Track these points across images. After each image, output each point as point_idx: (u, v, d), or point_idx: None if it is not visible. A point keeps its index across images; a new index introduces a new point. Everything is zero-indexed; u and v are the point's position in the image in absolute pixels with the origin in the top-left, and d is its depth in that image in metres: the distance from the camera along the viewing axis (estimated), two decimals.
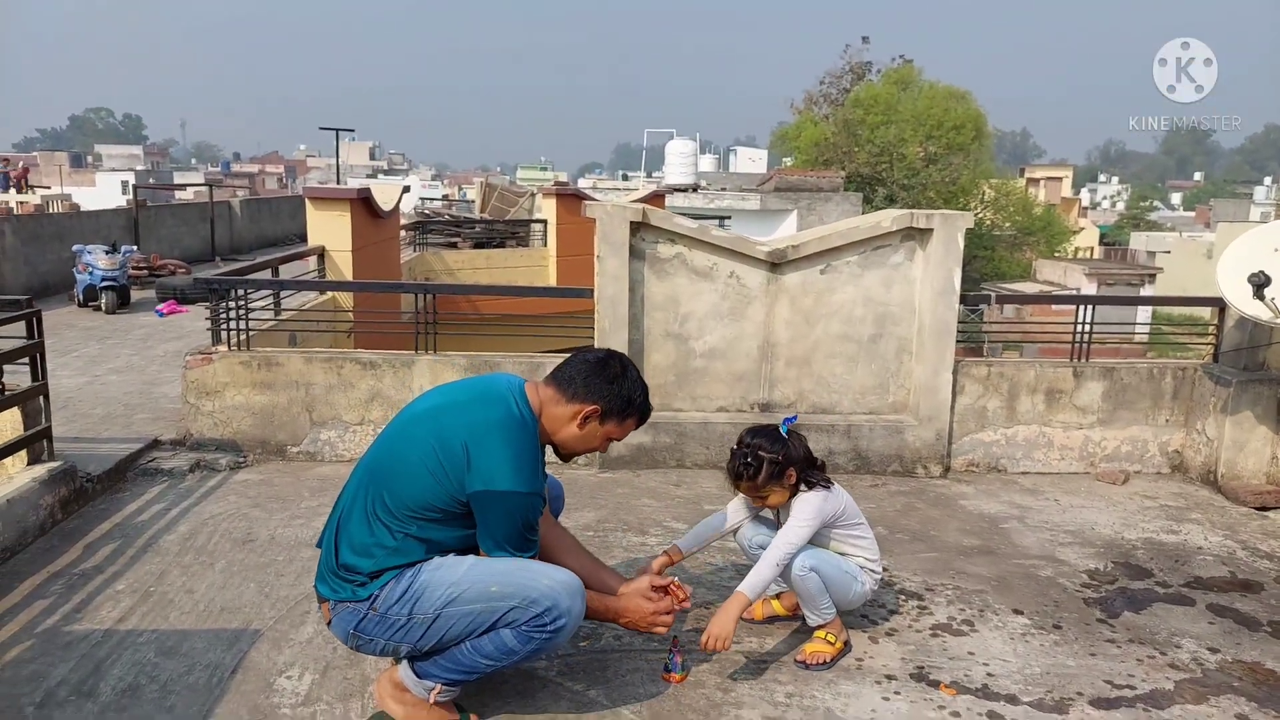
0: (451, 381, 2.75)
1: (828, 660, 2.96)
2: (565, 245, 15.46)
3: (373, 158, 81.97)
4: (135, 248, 13.28)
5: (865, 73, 32.93)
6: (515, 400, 2.50)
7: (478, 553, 2.47)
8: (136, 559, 3.65)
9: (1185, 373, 5.26)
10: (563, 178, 45.78)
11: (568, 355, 2.70)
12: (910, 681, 2.89)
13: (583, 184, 28.55)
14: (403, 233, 14.50)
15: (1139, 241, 43.46)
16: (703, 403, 5.15)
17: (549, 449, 2.64)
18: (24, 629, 3.06)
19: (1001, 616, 3.38)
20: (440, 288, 5.97)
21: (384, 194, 10.90)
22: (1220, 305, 5.22)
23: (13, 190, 26.73)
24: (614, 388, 2.56)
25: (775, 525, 3.08)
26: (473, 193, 31.70)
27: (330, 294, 9.18)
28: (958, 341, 5.13)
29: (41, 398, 4.21)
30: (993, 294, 6.33)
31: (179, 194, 29.67)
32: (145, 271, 13.16)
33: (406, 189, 13.93)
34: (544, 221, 16.74)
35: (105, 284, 10.60)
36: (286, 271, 8.26)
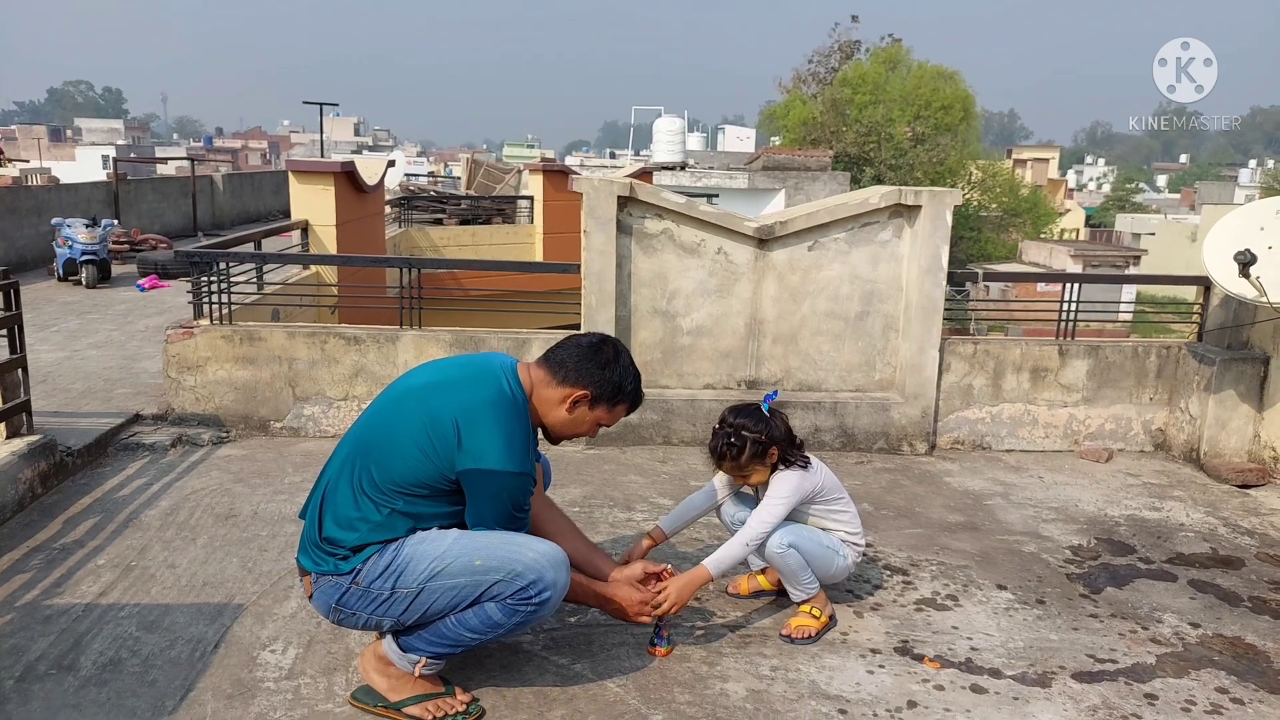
0: (443, 358, 2.71)
1: (813, 634, 2.96)
2: (552, 222, 15.36)
3: (357, 134, 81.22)
4: (116, 222, 13.12)
5: (854, 52, 32.81)
6: (507, 380, 2.47)
7: (463, 527, 2.45)
8: (118, 534, 3.62)
9: (1169, 351, 5.29)
10: (550, 155, 45.48)
11: (554, 331, 2.67)
12: (895, 655, 2.91)
13: (570, 161, 28.40)
14: (388, 209, 14.37)
15: (1124, 223, 43.70)
16: (690, 380, 5.13)
17: (539, 431, 2.62)
18: (3, 603, 3.02)
19: (985, 591, 3.40)
20: (425, 262, 5.93)
21: (368, 168, 10.79)
22: (1205, 284, 5.24)
23: None
24: (605, 373, 2.54)
25: (757, 502, 3.08)
26: (458, 169, 31.46)
27: (314, 269, 9.10)
28: (943, 322, 5.14)
29: (20, 370, 4.15)
30: (979, 271, 6.31)
31: (160, 168, 29.32)
32: (126, 246, 13.02)
33: (391, 163, 13.81)
34: (530, 198, 16.63)
35: (85, 258, 10.48)
36: (269, 246, 8.17)
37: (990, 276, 7.04)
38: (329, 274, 9.01)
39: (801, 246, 5.04)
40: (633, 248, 4.95)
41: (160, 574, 3.28)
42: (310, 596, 2.46)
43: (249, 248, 6.97)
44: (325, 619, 2.55)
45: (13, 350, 4.15)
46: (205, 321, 5.12)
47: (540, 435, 2.64)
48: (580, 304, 4.92)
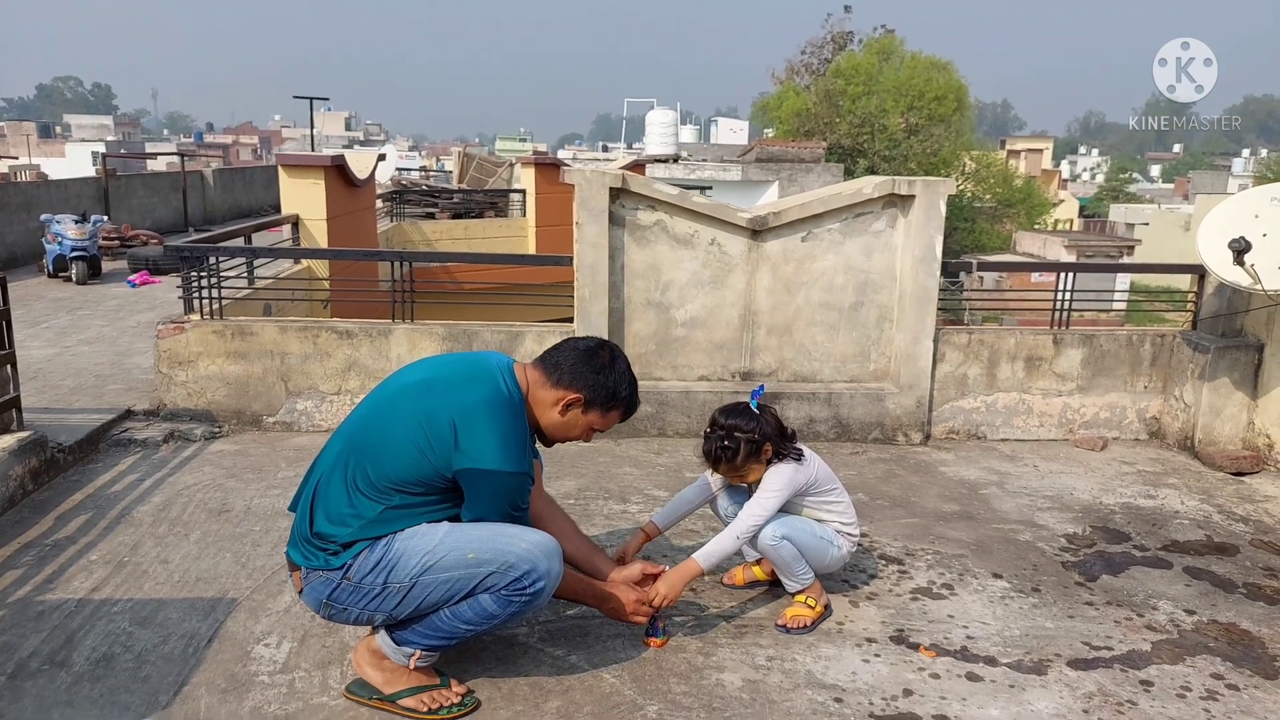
0: (437, 355, 2.69)
1: (808, 624, 2.96)
2: (545, 215, 15.33)
3: (349, 128, 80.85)
4: (106, 218, 13.05)
5: (847, 42, 32.75)
6: (504, 379, 2.46)
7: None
8: (110, 530, 3.59)
9: (1164, 339, 5.29)
10: (542, 148, 45.32)
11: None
12: (890, 644, 2.90)
13: (562, 155, 28.32)
14: (380, 203, 14.33)
15: (1118, 214, 43.73)
16: (684, 372, 5.12)
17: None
18: None
19: (981, 580, 3.40)
20: (417, 255, 5.89)
21: (359, 162, 10.75)
22: (1200, 272, 5.24)
23: None
24: (599, 378, 2.52)
25: (751, 494, 3.07)
26: (450, 163, 31.34)
27: (305, 263, 9.07)
28: (938, 313, 5.13)
29: (9, 366, 4.12)
30: (974, 261, 6.31)
31: (150, 164, 29.16)
32: (117, 242, 12.94)
33: (382, 157, 13.77)
34: (523, 191, 16.60)
35: (75, 254, 10.41)
36: (260, 241, 8.14)
37: (984, 266, 7.03)
38: (321, 268, 8.98)
39: (795, 237, 5.03)
40: (626, 239, 4.94)
41: (153, 569, 3.26)
42: (300, 591, 2.45)
43: (240, 242, 6.94)
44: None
45: (1, 346, 4.11)
46: (196, 316, 5.09)
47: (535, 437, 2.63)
48: (574, 296, 4.91)
